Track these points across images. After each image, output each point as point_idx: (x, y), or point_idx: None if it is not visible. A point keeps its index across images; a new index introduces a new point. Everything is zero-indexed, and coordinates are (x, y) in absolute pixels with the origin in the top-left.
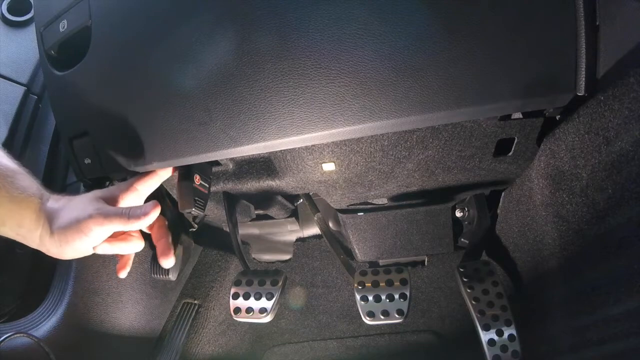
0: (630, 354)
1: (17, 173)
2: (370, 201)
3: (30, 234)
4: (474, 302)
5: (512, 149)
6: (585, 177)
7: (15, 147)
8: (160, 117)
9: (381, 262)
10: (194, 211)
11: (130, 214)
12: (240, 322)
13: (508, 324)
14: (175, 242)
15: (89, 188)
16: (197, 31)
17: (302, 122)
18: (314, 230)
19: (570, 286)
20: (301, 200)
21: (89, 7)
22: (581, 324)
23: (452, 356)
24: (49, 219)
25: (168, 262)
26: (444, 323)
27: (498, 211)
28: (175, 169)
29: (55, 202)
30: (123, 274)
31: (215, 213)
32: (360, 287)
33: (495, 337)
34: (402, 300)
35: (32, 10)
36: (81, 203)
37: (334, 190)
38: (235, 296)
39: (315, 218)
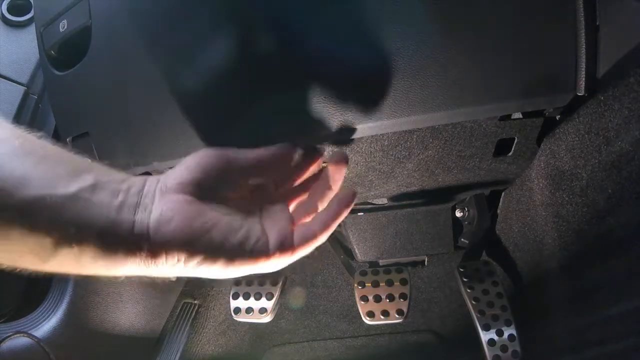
0: (630, 354)
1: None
2: (370, 201)
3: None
4: (474, 302)
5: (512, 149)
6: (585, 177)
7: None
8: (161, 116)
9: (381, 262)
10: None
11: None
12: (240, 322)
13: (508, 324)
14: None
15: None
16: (199, 31)
17: (303, 123)
18: None
19: (570, 286)
20: None
21: (89, 7)
22: (581, 324)
23: (452, 356)
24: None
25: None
26: (444, 323)
27: (498, 211)
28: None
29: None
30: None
31: None
32: (360, 287)
33: (495, 337)
34: (402, 300)
35: (32, 10)
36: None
37: None
38: (235, 296)
39: None
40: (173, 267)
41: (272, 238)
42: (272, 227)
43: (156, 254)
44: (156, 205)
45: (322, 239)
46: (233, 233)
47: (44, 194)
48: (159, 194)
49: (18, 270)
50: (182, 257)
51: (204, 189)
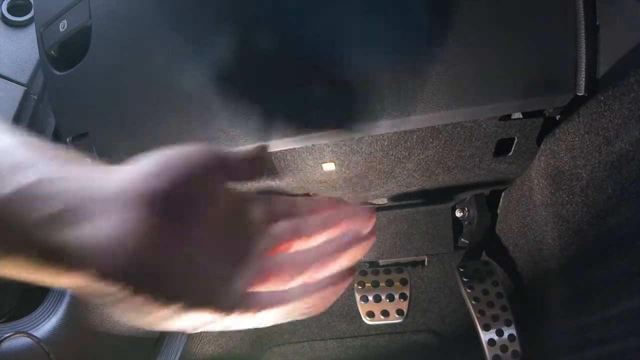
0: (630, 354)
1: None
2: (370, 201)
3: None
4: (474, 302)
5: (512, 148)
6: (585, 177)
7: None
8: (160, 117)
9: (381, 262)
10: None
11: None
12: None
13: (508, 324)
14: None
15: None
16: (199, 30)
17: (303, 123)
18: None
19: (570, 286)
20: None
21: (89, 7)
22: (581, 324)
23: (452, 356)
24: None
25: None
26: (444, 323)
27: (498, 211)
28: None
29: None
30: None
31: None
32: (360, 287)
33: (495, 337)
34: (402, 300)
35: (32, 10)
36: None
37: (334, 190)
38: None
39: None
40: (120, 300)
41: (237, 285)
42: (242, 266)
43: (98, 280)
44: (107, 219)
45: (293, 310)
46: (201, 269)
47: None
48: (112, 205)
49: None
50: (129, 293)
51: (173, 203)
